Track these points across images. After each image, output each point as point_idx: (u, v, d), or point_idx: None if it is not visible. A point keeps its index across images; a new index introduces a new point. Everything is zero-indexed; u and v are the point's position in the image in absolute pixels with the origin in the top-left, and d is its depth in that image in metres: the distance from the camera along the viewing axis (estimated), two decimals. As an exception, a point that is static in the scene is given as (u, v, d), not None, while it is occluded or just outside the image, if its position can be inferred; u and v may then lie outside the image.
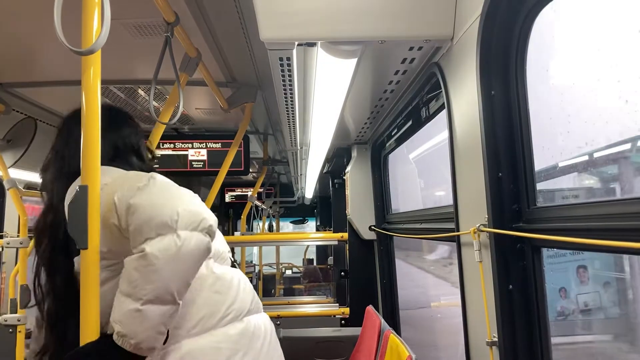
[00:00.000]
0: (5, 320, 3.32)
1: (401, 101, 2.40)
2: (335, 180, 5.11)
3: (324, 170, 5.00)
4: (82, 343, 1.32)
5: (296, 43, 1.63)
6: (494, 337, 1.39)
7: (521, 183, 1.39)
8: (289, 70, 1.92)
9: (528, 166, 1.38)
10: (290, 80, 2.04)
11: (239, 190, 8.79)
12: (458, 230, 1.63)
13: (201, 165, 4.87)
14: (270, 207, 8.62)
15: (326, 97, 2.24)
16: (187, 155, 4.91)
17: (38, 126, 3.72)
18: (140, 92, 3.87)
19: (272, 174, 7.69)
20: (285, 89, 2.12)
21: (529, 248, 1.38)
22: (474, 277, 1.52)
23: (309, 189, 6.60)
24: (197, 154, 4.87)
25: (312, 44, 1.68)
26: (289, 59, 1.80)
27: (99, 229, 1.36)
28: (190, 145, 4.86)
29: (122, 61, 3.25)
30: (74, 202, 1.35)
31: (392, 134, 2.93)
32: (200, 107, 4.34)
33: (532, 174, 1.38)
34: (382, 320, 2.11)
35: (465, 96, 1.55)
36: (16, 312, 3.59)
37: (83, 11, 1.38)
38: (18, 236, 4.19)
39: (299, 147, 3.53)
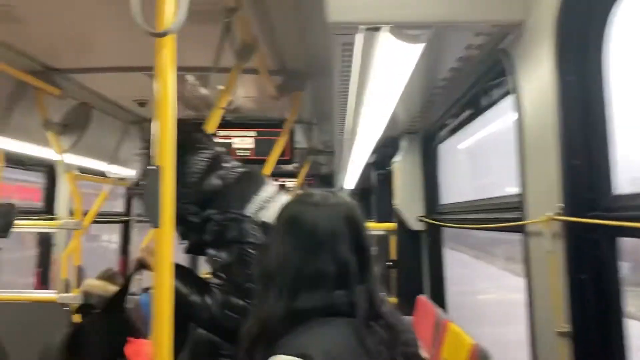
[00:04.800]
0: (61, 299, 3.43)
1: (458, 89, 2.37)
2: (379, 171, 5.09)
3: (368, 161, 4.97)
4: (156, 321, 1.33)
5: (364, 27, 1.62)
6: (565, 327, 1.36)
7: (597, 171, 1.36)
8: (349, 56, 1.91)
9: (606, 153, 1.34)
10: (348, 67, 2.04)
11: (278, 180, 8.82)
12: (525, 220, 1.60)
13: (247, 154, 4.88)
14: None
15: (383, 85, 2.22)
16: (232, 143, 4.93)
17: (91, 112, 3.82)
18: (188, 79, 3.91)
19: (312, 165, 7.69)
20: (343, 76, 2.12)
21: (603, 238, 1.34)
22: (542, 267, 1.49)
23: (351, 179, 6.58)
24: (242, 142, 4.89)
25: (378, 28, 1.67)
26: (351, 44, 1.79)
27: (172, 209, 1.39)
28: (236, 133, 4.88)
29: (192, 48, 3.28)
30: (147, 183, 1.38)
31: (447, 123, 2.90)
32: (246, 95, 4.37)
33: (610, 161, 1.34)
34: (439, 310, 2.09)
35: (536, 82, 1.52)
36: (69, 292, 3.72)
37: (158, -8, 1.39)
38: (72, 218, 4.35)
39: (347, 137, 3.52)
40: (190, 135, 1.84)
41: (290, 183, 8.30)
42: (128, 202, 6.59)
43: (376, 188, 5.79)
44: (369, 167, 5.32)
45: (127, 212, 6.57)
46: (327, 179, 9.17)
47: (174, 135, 1.41)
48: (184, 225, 1.78)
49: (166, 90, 1.40)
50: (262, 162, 4.93)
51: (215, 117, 2.49)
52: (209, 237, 1.75)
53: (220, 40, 2.13)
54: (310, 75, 3.36)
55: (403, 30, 1.63)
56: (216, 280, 1.71)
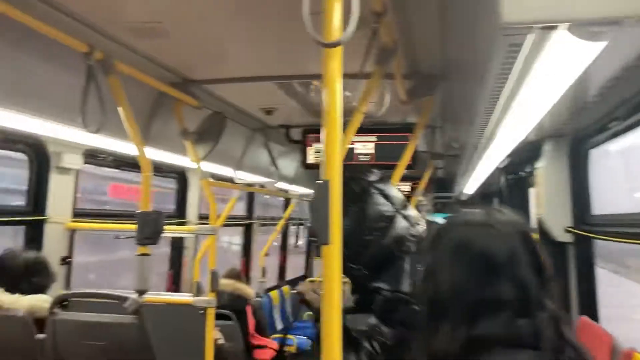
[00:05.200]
0: (197, 302, 3.55)
1: (627, 89, 2.13)
2: (509, 176, 4.82)
3: (498, 165, 4.72)
4: (325, 335, 1.29)
5: (539, 26, 1.48)
6: None
7: None
8: (513, 57, 1.77)
9: None
10: (508, 69, 1.89)
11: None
12: None
13: (368, 159, 4.81)
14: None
15: (543, 87, 2.05)
16: (353, 148, 4.87)
17: (224, 121, 3.94)
18: (316, 85, 3.92)
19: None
20: (499, 78, 1.97)
21: None
22: None
23: (472, 185, 6.32)
24: (364, 147, 4.82)
25: (554, 27, 1.52)
26: (518, 45, 1.65)
27: (340, 224, 1.33)
28: (357, 138, 4.81)
29: (303, 55, 3.30)
30: (315, 197, 1.34)
31: (607, 126, 2.63)
32: (372, 100, 4.30)
33: None
34: (613, 336, 1.87)
35: None
36: (200, 294, 3.84)
37: (327, 1, 1.35)
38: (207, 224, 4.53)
39: (483, 141, 3.34)
40: (370, 185, 1.67)
41: (404, 187, 8.15)
42: (250, 205, 6.81)
43: (503, 194, 5.52)
44: (496, 171, 5.06)
45: (250, 215, 6.79)
46: (444, 184, 8.91)
47: (341, 149, 1.36)
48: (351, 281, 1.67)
49: (334, 101, 1.35)
50: (382, 167, 4.81)
51: (355, 123, 2.43)
52: (375, 308, 1.58)
53: (368, 45, 2.06)
54: (445, 78, 3.23)
55: (585, 27, 1.47)
56: (367, 346, 1.56)
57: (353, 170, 1.72)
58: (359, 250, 1.57)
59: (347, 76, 3.37)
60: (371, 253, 1.58)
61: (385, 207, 1.62)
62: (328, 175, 1.34)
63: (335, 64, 1.34)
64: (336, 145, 1.34)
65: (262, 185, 5.62)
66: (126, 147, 3.58)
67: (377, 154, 4.80)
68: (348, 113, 4.76)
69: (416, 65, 3.17)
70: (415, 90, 3.33)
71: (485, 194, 7.50)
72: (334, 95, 1.35)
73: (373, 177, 1.71)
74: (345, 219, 1.36)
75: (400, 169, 3.52)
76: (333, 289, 1.31)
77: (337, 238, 1.32)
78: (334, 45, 1.30)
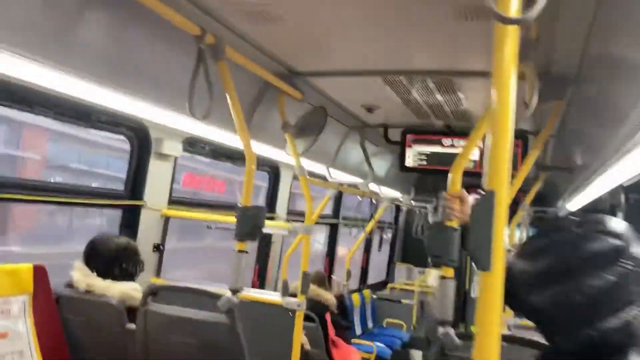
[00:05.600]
0: (287, 304, 3.39)
1: None
2: (631, 195, 4.34)
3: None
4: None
5: None
6: None
7: None
8: None
9: None
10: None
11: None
12: None
13: (472, 166, 4.48)
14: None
15: None
16: (456, 154, 4.56)
17: (326, 116, 3.75)
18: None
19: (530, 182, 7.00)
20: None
21: None
22: None
23: (581, 200, 5.78)
24: (469, 153, 4.47)
25: None
26: None
27: (503, 247, 1.09)
28: (463, 143, 4.50)
29: (416, 49, 3.05)
30: (476, 210, 1.09)
31: None
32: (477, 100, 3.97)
33: None
34: None
35: None
36: (286, 293, 3.68)
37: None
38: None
39: (616, 155, 2.93)
40: (628, 253, 1.18)
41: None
42: (337, 205, 6.62)
43: (617, 213, 5.00)
44: (615, 188, 4.56)
45: (336, 215, 6.61)
46: (542, 197, 8.32)
47: (510, 151, 1.10)
48: None
49: (506, 93, 1.09)
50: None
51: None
52: None
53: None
54: (581, 80, 2.85)
55: None
56: None
57: (591, 219, 1.29)
58: (571, 331, 1.20)
59: (470, 75, 3.10)
60: (587, 340, 1.17)
61: (630, 290, 1.15)
62: (493, 184, 1.09)
63: (511, 48, 1.09)
64: (506, 149, 1.09)
65: (354, 186, 5.40)
66: (226, 137, 3.48)
67: (484, 160, 4.43)
68: (461, 116, 4.42)
69: (548, 63, 2.82)
70: (542, 92, 2.96)
71: (590, 212, 6.88)
72: (507, 86, 1.10)
73: (628, 236, 1.19)
74: (565, 282, 1.12)
75: (519, 181, 3.14)
76: (492, 325, 1.07)
77: (500, 263, 1.07)
78: (517, 22, 1.05)
